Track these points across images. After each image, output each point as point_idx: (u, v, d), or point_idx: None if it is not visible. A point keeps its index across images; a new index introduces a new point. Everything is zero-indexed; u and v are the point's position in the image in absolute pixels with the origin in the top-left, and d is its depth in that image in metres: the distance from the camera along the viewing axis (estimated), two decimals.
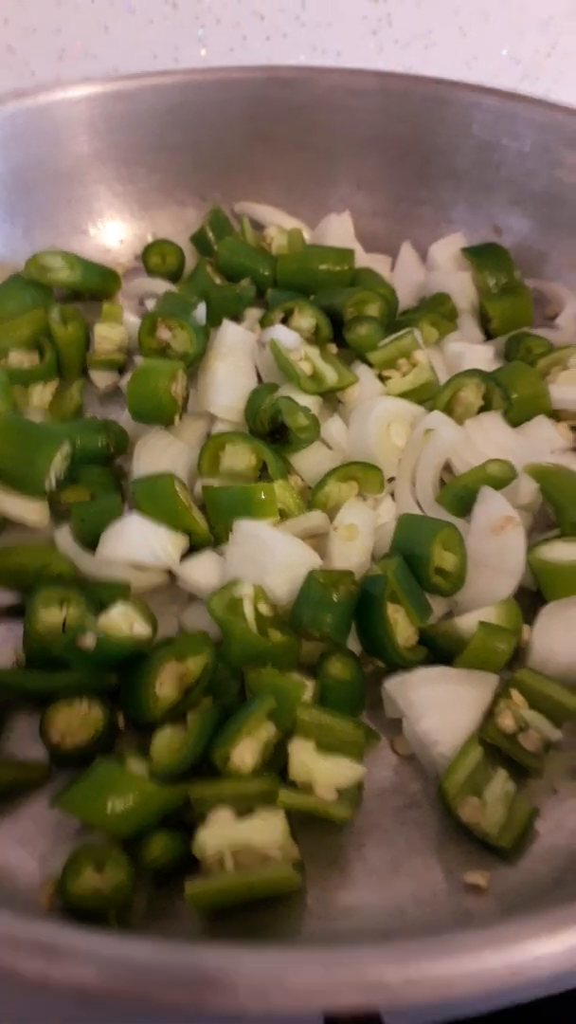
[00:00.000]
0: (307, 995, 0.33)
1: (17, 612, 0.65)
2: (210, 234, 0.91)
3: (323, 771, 0.53)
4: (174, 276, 0.91)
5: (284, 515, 0.66)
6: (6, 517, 0.70)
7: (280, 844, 0.50)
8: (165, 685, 0.57)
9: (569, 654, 0.58)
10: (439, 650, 0.60)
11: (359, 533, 0.64)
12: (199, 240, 0.92)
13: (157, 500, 0.66)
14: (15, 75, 1.11)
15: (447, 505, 0.67)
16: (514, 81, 1.20)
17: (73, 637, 0.56)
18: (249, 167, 0.94)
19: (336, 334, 0.79)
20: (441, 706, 0.55)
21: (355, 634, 0.61)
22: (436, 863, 0.52)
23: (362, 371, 0.75)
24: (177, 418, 0.73)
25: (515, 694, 0.57)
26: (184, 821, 0.52)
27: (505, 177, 0.89)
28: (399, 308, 0.84)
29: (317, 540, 0.66)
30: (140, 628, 0.59)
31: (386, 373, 0.74)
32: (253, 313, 0.82)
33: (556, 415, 0.74)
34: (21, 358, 0.81)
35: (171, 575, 0.67)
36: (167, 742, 0.55)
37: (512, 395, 0.72)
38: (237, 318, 0.80)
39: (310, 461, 0.70)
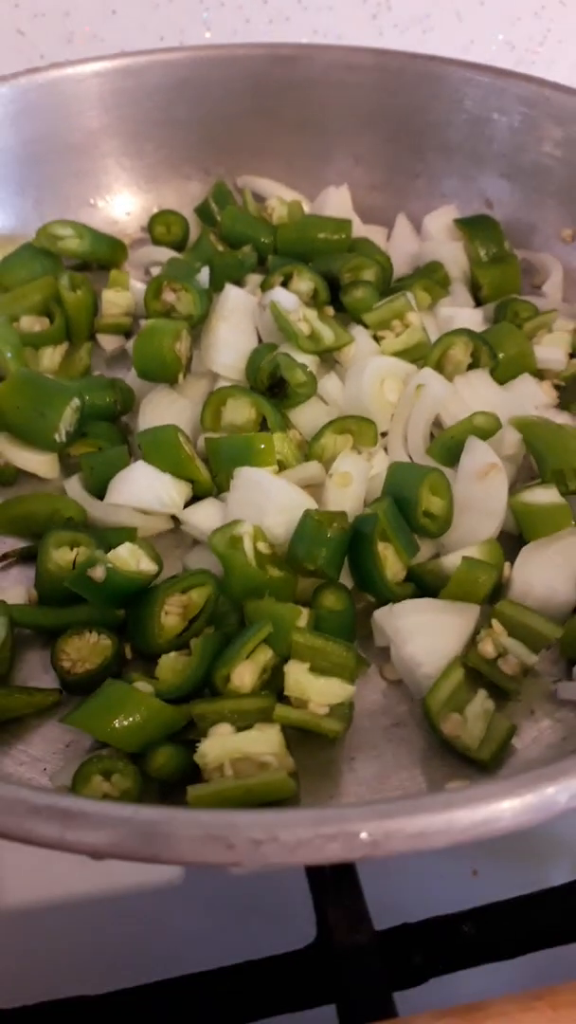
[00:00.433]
0: (297, 848, 0.37)
1: (29, 558, 0.69)
2: (213, 205, 0.94)
3: (316, 689, 0.57)
4: (179, 246, 0.95)
5: (282, 466, 0.70)
6: (18, 469, 0.74)
7: (276, 753, 0.54)
8: (170, 615, 0.61)
9: (546, 587, 0.62)
10: (426, 587, 0.64)
11: (352, 481, 0.68)
12: (203, 211, 0.96)
13: (162, 450, 0.69)
14: (25, 58, 1.15)
15: (436, 456, 0.71)
16: (509, 65, 1.23)
17: (84, 570, 0.60)
18: (252, 142, 0.98)
19: (333, 298, 0.83)
20: (426, 632, 0.59)
21: (347, 572, 0.65)
22: (421, 775, 0.56)
23: (358, 332, 0.78)
24: (181, 376, 0.77)
25: (496, 623, 0.61)
26: (187, 740, 0.56)
27: (496, 151, 0.92)
28: (394, 275, 0.88)
29: (313, 490, 0.70)
30: (146, 565, 0.62)
31: (380, 334, 0.78)
32: (254, 279, 0.85)
33: (540, 374, 0.78)
34: (32, 322, 0.84)
35: (175, 521, 0.71)
36: (172, 664, 0.59)
37: (499, 354, 0.76)
38: (239, 283, 0.84)
39: (307, 416, 0.74)
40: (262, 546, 0.63)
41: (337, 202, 0.96)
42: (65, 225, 0.90)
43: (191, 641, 0.60)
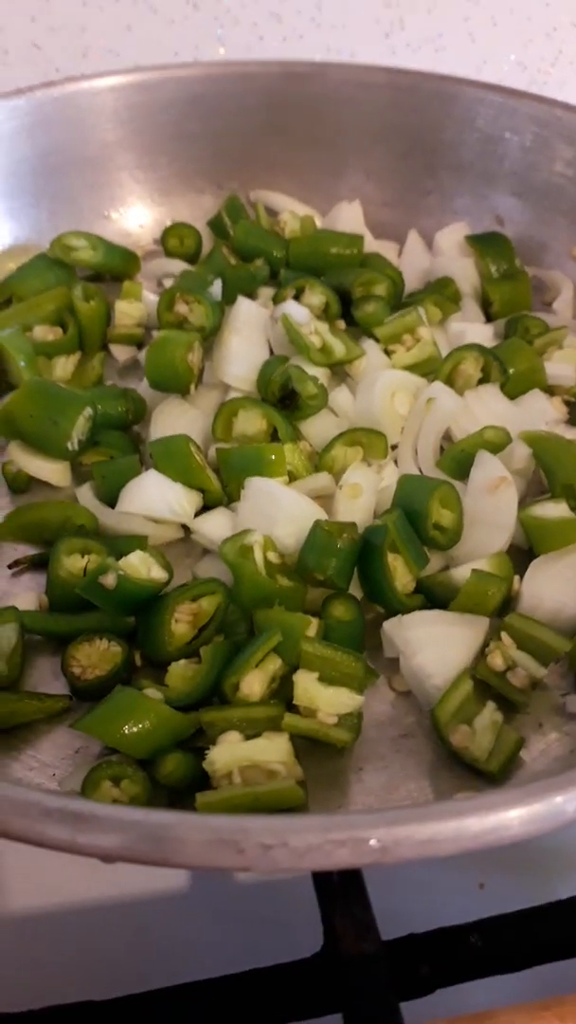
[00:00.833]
0: (307, 854, 0.37)
1: (40, 565, 0.70)
2: (226, 219, 0.95)
3: (325, 699, 0.57)
4: (191, 258, 0.96)
5: (292, 477, 0.71)
6: (30, 476, 0.75)
7: (284, 762, 0.54)
8: (180, 623, 0.61)
9: (555, 601, 0.62)
10: (435, 598, 0.64)
11: (363, 492, 0.68)
12: (216, 225, 0.97)
13: (173, 459, 0.70)
14: (41, 71, 1.16)
15: (446, 469, 0.71)
16: (521, 86, 1.24)
17: (95, 577, 0.61)
18: (265, 157, 0.99)
19: (345, 312, 0.84)
20: (435, 643, 0.60)
21: (357, 583, 0.65)
22: (429, 786, 0.56)
23: (369, 345, 0.79)
24: (193, 387, 0.77)
25: (505, 636, 0.61)
26: (196, 748, 0.57)
27: (507, 170, 0.93)
28: (405, 291, 0.89)
29: (323, 501, 0.70)
30: (157, 573, 0.63)
31: (391, 347, 0.79)
32: (266, 292, 0.86)
33: (550, 390, 0.79)
34: (45, 332, 0.85)
35: (186, 530, 0.71)
36: (181, 672, 0.59)
37: (509, 369, 0.76)
38: (251, 295, 0.85)
39: (318, 427, 0.74)
40: (272, 556, 0.63)
41: (349, 217, 0.97)
42: (79, 236, 0.91)
43: (201, 649, 0.61)
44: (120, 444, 0.76)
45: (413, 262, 0.94)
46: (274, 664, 0.59)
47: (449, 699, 0.57)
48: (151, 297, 0.89)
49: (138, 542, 0.67)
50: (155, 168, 0.99)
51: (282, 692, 0.59)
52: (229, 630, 0.62)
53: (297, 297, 0.83)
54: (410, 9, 1.19)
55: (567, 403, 0.79)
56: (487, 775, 0.56)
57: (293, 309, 0.79)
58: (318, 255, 0.89)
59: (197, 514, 0.70)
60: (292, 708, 0.58)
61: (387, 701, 0.62)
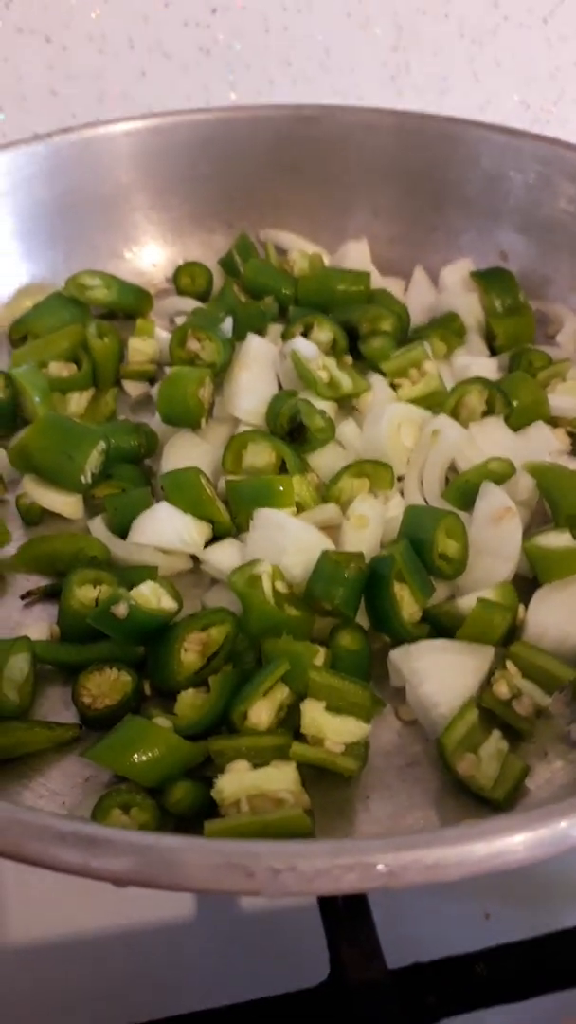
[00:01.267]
0: (315, 878, 0.37)
1: (52, 595, 0.71)
2: (237, 258, 0.98)
3: (332, 727, 0.58)
4: (203, 296, 0.98)
5: (300, 508, 0.72)
6: (43, 509, 0.76)
7: (292, 790, 0.55)
8: (189, 652, 0.62)
9: (560, 630, 0.63)
10: (441, 627, 0.65)
11: (369, 522, 0.70)
12: (227, 263, 0.99)
13: (184, 491, 0.71)
14: (57, 117, 1.20)
15: (452, 500, 0.72)
16: (524, 125, 1.27)
17: (107, 607, 0.62)
18: (274, 197, 1.02)
19: (352, 347, 0.85)
20: (442, 672, 0.60)
21: (364, 613, 0.66)
22: (435, 815, 0.57)
23: (375, 380, 0.81)
24: (204, 421, 0.79)
25: (510, 665, 0.61)
26: (204, 776, 0.57)
27: (512, 207, 0.95)
28: (411, 326, 0.91)
29: (330, 531, 0.71)
30: (167, 603, 0.64)
31: (397, 381, 0.81)
32: (275, 328, 0.88)
33: (554, 421, 0.80)
34: (60, 368, 0.87)
35: (195, 561, 0.72)
36: (191, 701, 0.60)
37: (513, 402, 0.78)
38: (261, 332, 0.87)
39: (325, 459, 0.76)
40: (280, 585, 0.64)
41: (356, 255, 0.99)
42: (94, 275, 0.94)
43: (209, 678, 0.62)
44: (132, 477, 0.78)
45: (419, 298, 0.96)
46: (282, 693, 0.59)
47: (455, 727, 0.58)
48: (163, 334, 0.91)
49: (149, 572, 0.68)
50: (168, 209, 1.02)
51: (290, 721, 0.59)
52: (237, 659, 0.63)
53: (306, 333, 0.85)
54: (416, 53, 1.23)
55: (570, 434, 0.80)
56: (493, 803, 0.56)
57: (302, 345, 0.81)
58: (326, 292, 0.91)
59: (206, 545, 0.71)
60: (299, 737, 0.58)
61: (394, 730, 0.62)
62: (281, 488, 0.70)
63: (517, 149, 0.93)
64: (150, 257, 1.03)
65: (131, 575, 0.68)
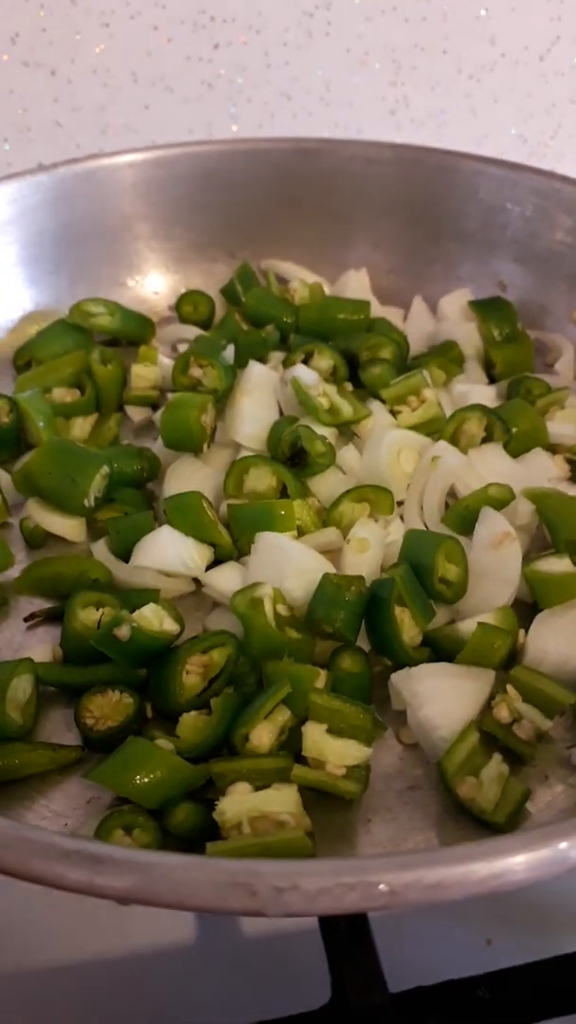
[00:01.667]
0: (317, 897, 0.38)
1: (55, 618, 0.72)
2: (238, 286, 0.99)
3: (333, 750, 0.58)
4: (205, 324, 1.00)
5: (301, 532, 0.72)
6: (47, 532, 0.77)
7: (293, 813, 0.55)
8: (191, 674, 0.63)
9: (560, 654, 0.64)
10: (441, 651, 0.65)
11: (370, 546, 0.70)
12: (228, 292, 1.01)
13: (186, 514, 0.72)
14: (61, 148, 1.22)
15: (451, 525, 0.73)
16: (521, 158, 1.30)
17: (109, 629, 0.62)
18: (275, 228, 1.03)
19: (352, 375, 0.87)
20: (442, 696, 0.61)
21: (364, 638, 0.66)
22: (435, 838, 0.57)
23: (375, 406, 0.82)
24: (205, 446, 0.80)
25: (510, 689, 0.62)
26: (206, 799, 0.58)
27: (509, 238, 0.97)
28: (410, 354, 0.92)
29: (331, 555, 0.72)
30: (169, 625, 0.65)
31: (397, 408, 0.82)
32: (276, 356, 0.89)
33: (552, 448, 0.81)
34: (64, 394, 0.88)
35: (197, 584, 0.73)
36: (192, 723, 0.61)
37: (512, 428, 0.79)
38: (262, 359, 0.88)
39: (326, 484, 0.77)
40: (282, 608, 0.65)
41: (356, 285, 1.00)
42: (97, 303, 0.95)
43: (211, 700, 0.62)
44: (134, 500, 0.78)
45: (418, 326, 0.97)
46: (283, 716, 0.60)
47: (456, 751, 0.58)
48: (166, 361, 0.93)
49: (151, 595, 0.69)
50: (170, 238, 1.03)
51: (291, 744, 0.60)
52: (239, 682, 0.63)
53: (306, 361, 0.86)
54: (414, 87, 1.25)
55: (569, 461, 0.81)
56: (493, 826, 0.56)
57: (302, 372, 0.82)
58: (326, 321, 0.92)
59: (208, 568, 0.72)
60: (301, 759, 0.58)
61: (395, 754, 0.62)
62: (282, 512, 0.71)
63: (514, 182, 0.95)
64: (153, 285, 1.04)
65: (133, 598, 0.68)
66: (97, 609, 0.68)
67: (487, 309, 0.94)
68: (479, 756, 0.59)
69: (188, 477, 0.79)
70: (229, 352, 0.88)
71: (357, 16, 1.20)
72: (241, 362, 0.87)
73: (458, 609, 0.69)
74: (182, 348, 0.95)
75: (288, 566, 0.67)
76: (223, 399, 0.84)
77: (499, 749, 0.60)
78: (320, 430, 0.77)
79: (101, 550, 0.74)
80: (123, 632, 0.61)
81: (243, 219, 1.03)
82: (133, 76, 1.19)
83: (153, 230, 1.03)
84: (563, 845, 0.40)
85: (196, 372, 0.84)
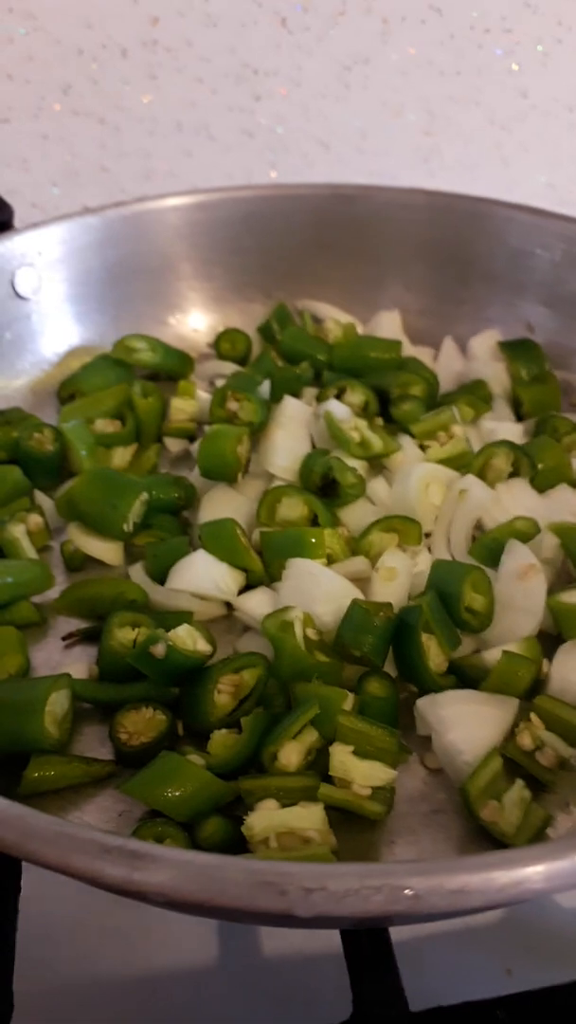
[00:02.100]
0: (344, 898, 0.39)
1: (92, 637, 0.74)
2: (275, 325, 1.03)
3: (360, 771, 0.59)
4: (242, 361, 1.03)
5: (331, 560, 0.75)
6: (86, 555, 0.80)
7: (319, 830, 0.56)
8: (223, 694, 0.65)
9: None
10: (467, 679, 0.67)
11: (398, 575, 0.72)
12: (265, 330, 1.04)
13: (220, 540, 0.75)
14: (107, 192, 1.28)
15: (478, 556, 0.75)
16: (551, 205, 1.33)
17: (146, 647, 0.65)
18: (311, 270, 1.07)
19: (383, 411, 0.90)
20: (467, 721, 0.62)
21: (391, 664, 0.68)
22: None
23: (405, 441, 0.84)
24: (240, 476, 0.83)
25: (534, 717, 0.63)
26: (234, 815, 0.59)
27: (538, 281, 1.00)
28: (440, 392, 0.94)
29: (360, 584, 0.74)
30: (203, 645, 0.67)
31: (426, 443, 0.84)
32: (310, 391, 0.93)
33: None
34: (106, 424, 0.92)
35: (229, 608, 0.75)
36: (223, 740, 0.63)
37: (538, 465, 0.81)
38: (296, 395, 0.91)
39: (356, 514, 0.79)
40: (311, 632, 0.67)
41: (389, 325, 1.04)
42: (140, 339, 0.99)
43: (241, 719, 0.64)
44: (170, 526, 0.81)
45: (448, 365, 1.00)
46: (311, 736, 0.62)
47: (479, 775, 0.59)
48: (203, 395, 0.96)
49: (185, 617, 0.71)
50: (211, 279, 1.07)
51: (318, 763, 0.61)
52: (268, 702, 0.65)
53: (339, 396, 0.89)
54: (447, 138, 1.30)
55: None
56: None
57: (335, 407, 0.85)
58: (359, 359, 0.95)
59: (240, 592, 0.74)
60: (327, 779, 0.60)
61: (419, 778, 0.64)
62: (313, 540, 0.73)
63: (543, 228, 0.98)
64: (193, 323, 1.08)
65: (168, 620, 0.70)
66: (133, 629, 0.70)
67: (516, 350, 0.97)
68: (502, 781, 0.60)
69: (223, 505, 0.81)
70: (265, 387, 0.91)
71: (393, 71, 1.25)
72: (276, 397, 0.90)
73: (483, 638, 0.71)
74: (219, 383, 0.98)
75: (318, 591, 0.69)
76: (258, 432, 0.87)
77: (522, 775, 0.61)
78: (351, 462, 0.80)
79: (138, 573, 0.77)
80: (159, 650, 0.64)
81: (280, 261, 1.07)
82: (178, 125, 1.24)
83: (194, 271, 1.07)
84: None
85: (233, 405, 0.88)
